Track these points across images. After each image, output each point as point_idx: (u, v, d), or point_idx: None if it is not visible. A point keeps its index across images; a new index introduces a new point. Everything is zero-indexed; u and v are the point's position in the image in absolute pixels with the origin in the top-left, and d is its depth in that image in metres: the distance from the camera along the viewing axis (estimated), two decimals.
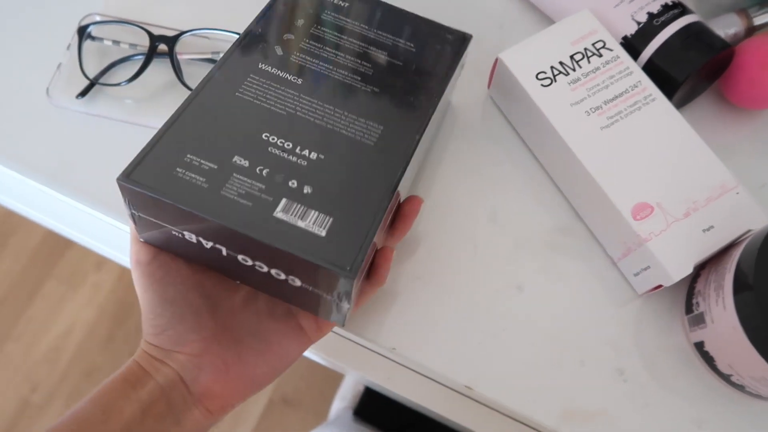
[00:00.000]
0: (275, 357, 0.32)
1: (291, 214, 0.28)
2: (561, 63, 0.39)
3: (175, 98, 0.42)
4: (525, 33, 0.42)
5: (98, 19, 0.43)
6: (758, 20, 0.42)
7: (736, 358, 0.33)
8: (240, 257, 0.29)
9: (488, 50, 0.44)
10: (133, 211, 0.30)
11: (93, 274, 1.10)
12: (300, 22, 0.36)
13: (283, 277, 0.29)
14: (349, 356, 0.42)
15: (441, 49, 0.37)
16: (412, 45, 0.36)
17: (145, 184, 0.28)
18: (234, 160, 0.29)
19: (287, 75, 0.33)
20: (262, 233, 0.27)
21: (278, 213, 0.28)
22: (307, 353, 0.44)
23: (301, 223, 0.28)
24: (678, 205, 0.35)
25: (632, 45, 0.40)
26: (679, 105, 0.42)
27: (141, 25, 0.42)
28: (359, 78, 0.34)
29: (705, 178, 0.36)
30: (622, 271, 0.39)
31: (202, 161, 0.29)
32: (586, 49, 0.39)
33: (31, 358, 1.04)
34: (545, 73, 0.39)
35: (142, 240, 0.31)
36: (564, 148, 0.37)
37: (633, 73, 0.38)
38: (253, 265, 0.30)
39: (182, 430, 0.30)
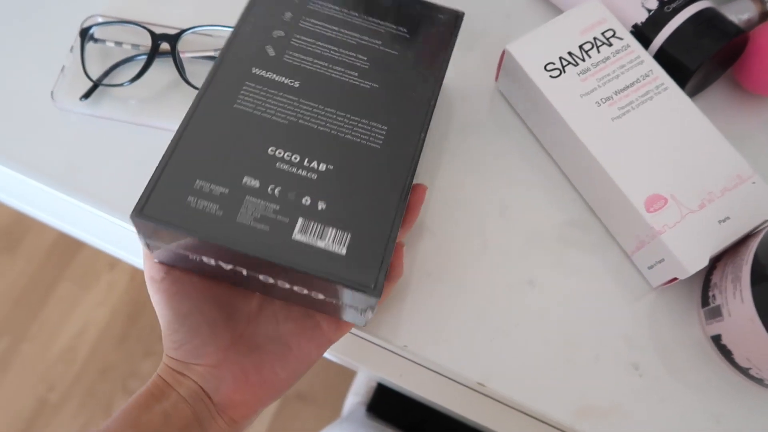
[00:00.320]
0: (295, 360, 0.31)
1: (309, 235, 0.28)
2: (570, 53, 0.38)
3: (179, 97, 0.42)
4: (533, 23, 0.42)
5: (100, 20, 0.43)
6: None
7: (755, 351, 0.32)
8: (261, 277, 0.29)
9: (495, 42, 0.43)
10: (148, 242, 0.29)
11: (106, 273, 1.11)
12: (287, 15, 0.34)
13: (305, 292, 0.30)
14: (361, 354, 0.42)
15: (435, 31, 0.35)
16: (405, 30, 0.35)
17: (159, 218, 0.27)
18: (244, 181, 0.28)
19: (283, 78, 0.32)
20: (283, 258, 0.27)
21: (297, 235, 0.28)
22: None
23: (320, 243, 0.28)
24: (692, 196, 0.35)
25: (643, 33, 0.39)
26: (692, 93, 0.41)
27: (142, 24, 0.42)
28: (356, 74, 0.33)
29: (720, 168, 0.35)
30: (635, 264, 0.38)
31: (212, 186, 0.28)
32: (595, 38, 0.38)
33: (47, 358, 1.05)
34: (554, 64, 0.38)
35: (156, 261, 0.31)
36: (574, 140, 0.36)
37: (644, 62, 0.38)
38: (275, 283, 0.30)
39: None
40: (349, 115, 0.31)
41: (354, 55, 0.33)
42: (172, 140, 0.29)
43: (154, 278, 0.31)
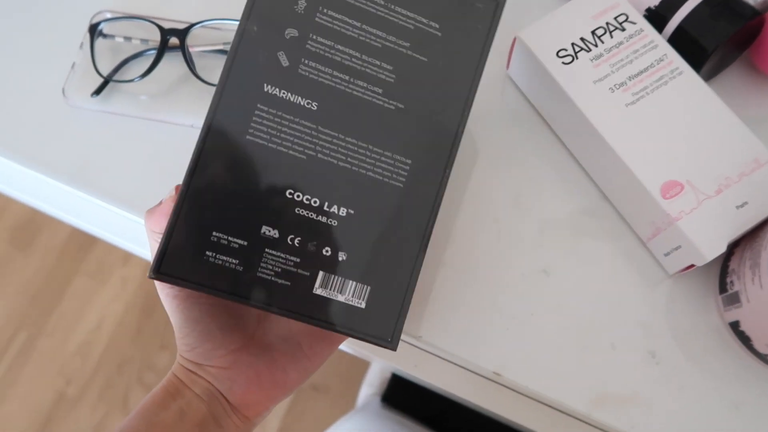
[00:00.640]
0: (306, 359, 0.32)
1: (330, 289, 0.28)
2: (582, 39, 0.37)
3: (189, 91, 0.42)
4: (544, 9, 0.41)
5: (108, 16, 0.43)
6: None
7: None
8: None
9: (506, 29, 0.43)
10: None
11: (120, 268, 1.11)
12: (301, 4, 0.29)
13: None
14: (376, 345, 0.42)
15: (471, 26, 0.30)
16: (436, 26, 0.30)
17: (177, 276, 0.27)
18: (263, 231, 0.27)
19: (299, 99, 0.28)
20: (304, 313, 0.27)
21: (317, 289, 0.28)
22: None
23: (340, 297, 0.28)
24: (709, 181, 0.34)
25: (657, 17, 0.39)
26: (708, 77, 0.40)
27: (151, 19, 0.42)
28: (380, 91, 0.29)
29: (737, 153, 0.35)
30: (651, 251, 0.37)
31: (230, 239, 0.27)
32: (608, 23, 0.38)
33: (65, 353, 1.06)
34: (566, 50, 0.37)
35: None
36: (588, 127, 0.36)
37: (658, 47, 0.37)
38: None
39: None
40: (371, 147, 0.29)
41: (378, 63, 0.29)
42: (183, 182, 0.27)
43: (163, 284, 0.31)
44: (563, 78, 0.37)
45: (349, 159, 0.29)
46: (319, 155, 0.28)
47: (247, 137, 0.28)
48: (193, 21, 0.41)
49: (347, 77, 0.29)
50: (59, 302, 1.09)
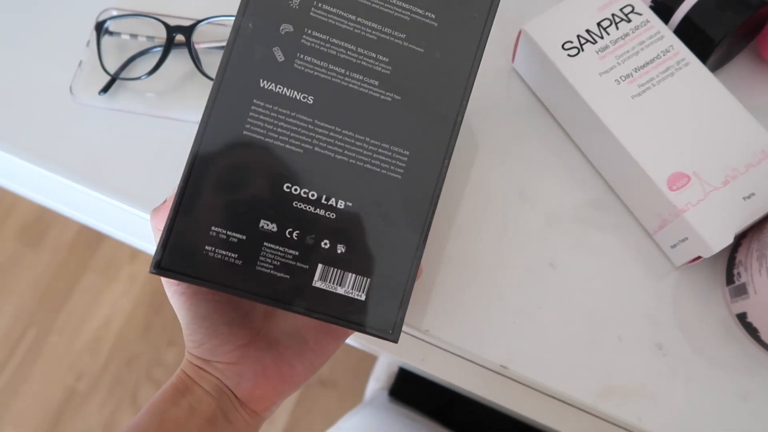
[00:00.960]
0: (312, 353, 0.32)
1: (329, 282, 0.28)
2: (588, 31, 0.37)
3: (196, 88, 0.42)
4: (549, 2, 0.41)
5: (114, 13, 0.43)
6: None
7: None
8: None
9: (511, 22, 0.43)
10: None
11: (128, 265, 1.12)
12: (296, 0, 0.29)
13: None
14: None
15: (468, 16, 0.30)
16: (433, 16, 0.30)
17: (177, 271, 0.27)
18: (261, 225, 0.28)
19: (295, 93, 0.29)
20: (304, 306, 0.27)
21: (317, 282, 0.28)
22: None
23: (340, 290, 0.28)
24: (716, 173, 0.34)
25: (663, 7, 0.39)
26: (715, 68, 0.40)
27: (157, 16, 0.42)
28: (376, 83, 0.29)
29: (744, 144, 0.35)
30: (658, 243, 0.37)
31: (229, 233, 0.27)
32: (613, 15, 0.38)
33: (74, 349, 1.07)
34: (572, 42, 0.37)
35: None
36: (594, 119, 0.36)
37: (664, 38, 0.37)
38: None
39: (235, 430, 0.31)
40: (368, 139, 0.29)
41: (374, 56, 0.29)
42: (182, 178, 0.28)
43: (170, 282, 0.31)
44: (569, 70, 0.37)
45: (346, 152, 0.29)
46: (316, 149, 0.28)
47: (244, 132, 0.28)
48: (199, 18, 0.42)
49: (343, 70, 0.29)
50: (68, 299, 1.10)
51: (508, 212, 0.39)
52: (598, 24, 0.37)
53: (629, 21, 0.37)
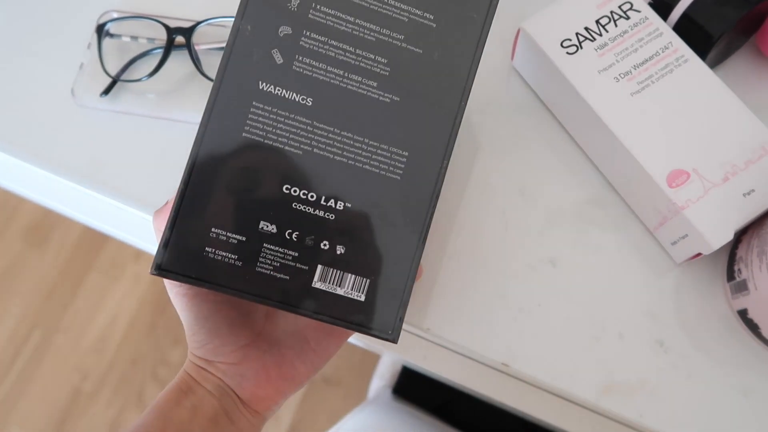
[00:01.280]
0: (313, 353, 0.32)
1: (329, 283, 0.28)
2: (586, 28, 0.37)
3: (197, 89, 0.42)
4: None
5: (115, 15, 0.43)
6: None
7: None
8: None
9: (510, 20, 0.43)
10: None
11: (132, 265, 1.13)
12: (295, 2, 0.29)
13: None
14: None
15: (466, 16, 0.30)
16: (431, 17, 0.30)
17: (178, 272, 0.27)
18: (261, 227, 0.28)
19: (294, 95, 0.29)
20: (304, 307, 0.28)
21: (316, 283, 0.28)
22: None
23: (339, 291, 0.28)
24: (715, 169, 0.34)
25: (661, 4, 0.39)
26: (714, 64, 0.40)
27: (157, 18, 0.42)
28: (375, 84, 0.29)
29: (744, 140, 0.35)
30: (659, 240, 0.38)
31: (228, 235, 0.28)
32: (612, 12, 0.38)
33: (80, 349, 1.08)
34: (570, 40, 0.37)
35: None
36: (593, 117, 0.36)
37: (663, 35, 0.37)
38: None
39: (237, 430, 0.31)
40: (367, 140, 0.29)
41: (373, 57, 0.29)
42: (182, 180, 0.28)
43: (172, 283, 0.31)
44: (568, 68, 0.37)
45: (345, 153, 0.29)
46: (315, 150, 0.29)
47: (244, 134, 0.28)
48: (199, 19, 0.42)
49: (342, 72, 0.29)
50: (73, 299, 1.11)
51: (508, 210, 0.39)
52: (597, 21, 0.37)
53: (628, 18, 0.37)
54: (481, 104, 0.42)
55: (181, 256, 0.27)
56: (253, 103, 0.28)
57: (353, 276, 0.28)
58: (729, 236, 0.33)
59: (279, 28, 0.29)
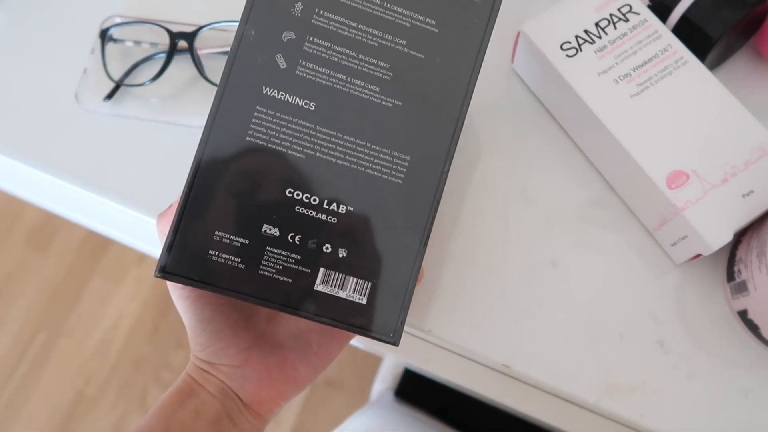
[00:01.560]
0: (315, 356, 0.32)
1: (331, 285, 0.28)
2: (586, 31, 0.38)
3: (199, 93, 0.43)
4: (548, 2, 0.41)
5: (118, 20, 0.44)
6: None
7: None
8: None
9: (511, 23, 0.43)
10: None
11: (135, 268, 1.13)
12: (298, 7, 0.29)
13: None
14: None
15: (468, 21, 0.30)
16: (433, 22, 0.30)
17: (181, 275, 0.28)
18: (264, 230, 0.28)
19: (297, 100, 0.29)
20: (306, 310, 0.28)
21: (318, 286, 0.28)
22: None
23: (341, 294, 0.28)
24: (715, 170, 0.34)
25: (661, 7, 0.39)
26: (713, 66, 0.40)
27: (160, 23, 0.42)
28: (377, 89, 0.29)
29: (743, 141, 0.35)
30: (658, 241, 0.38)
31: (232, 238, 0.28)
32: (611, 14, 0.38)
33: (83, 352, 1.08)
34: (570, 42, 0.37)
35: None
36: (593, 119, 0.36)
37: (662, 37, 0.37)
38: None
39: None
40: (369, 144, 0.29)
41: (375, 62, 0.30)
42: (186, 183, 0.28)
43: (175, 286, 0.32)
44: (567, 71, 0.37)
45: (347, 157, 0.29)
46: (318, 154, 0.29)
47: (247, 138, 0.28)
48: (201, 24, 0.42)
49: (344, 77, 0.29)
50: (77, 302, 1.11)
51: (509, 211, 0.39)
52: (596, 24, 0.38)
53: (627, 20, 0.38)
54: (483, 106, 0.42)
55: (184, 258, 0.28)
56: (257, 107, 0.29)
57: (355, 279, 0.28)
58: (728, 237, 0.33)
59: (282, 34, 0.29)
